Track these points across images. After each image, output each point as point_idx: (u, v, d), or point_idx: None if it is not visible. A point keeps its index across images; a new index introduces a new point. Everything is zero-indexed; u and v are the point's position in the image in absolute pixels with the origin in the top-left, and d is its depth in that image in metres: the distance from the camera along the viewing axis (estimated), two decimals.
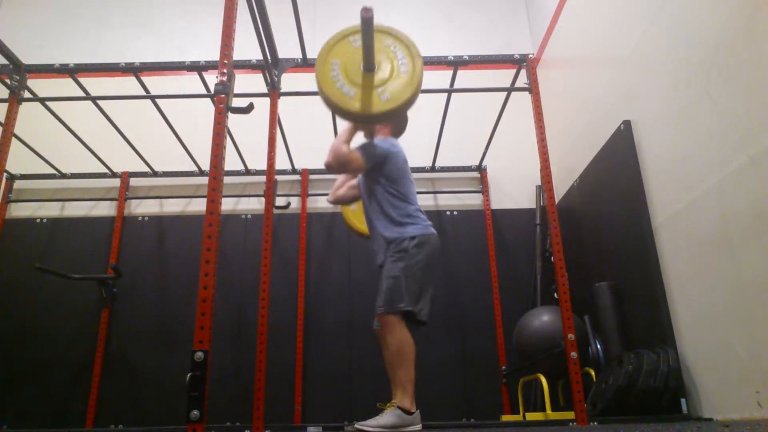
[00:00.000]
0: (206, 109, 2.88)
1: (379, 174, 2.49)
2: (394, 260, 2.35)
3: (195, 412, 1.53)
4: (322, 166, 4.43)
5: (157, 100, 3.60)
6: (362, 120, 2.46)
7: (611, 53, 3.44)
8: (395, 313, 2.26)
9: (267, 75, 3.16)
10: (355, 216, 3.70)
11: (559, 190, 4.19)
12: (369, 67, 2.29)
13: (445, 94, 3.68)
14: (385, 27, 2.35)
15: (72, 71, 3.26)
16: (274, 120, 3.07)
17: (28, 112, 3.38)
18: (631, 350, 2.88)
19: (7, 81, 3.08)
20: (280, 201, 4.18)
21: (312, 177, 4.66)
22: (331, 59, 2.32)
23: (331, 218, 4.52)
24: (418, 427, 2.19)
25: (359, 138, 2.61)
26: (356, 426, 2.14)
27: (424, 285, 2.39)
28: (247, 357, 3.88)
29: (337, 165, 2.44)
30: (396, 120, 2.64)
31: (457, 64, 3.24)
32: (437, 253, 2.47)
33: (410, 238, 2.38)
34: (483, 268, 4.34)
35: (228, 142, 3.89)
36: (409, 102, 2.28)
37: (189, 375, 1.56)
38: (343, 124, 2.58)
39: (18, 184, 4.61)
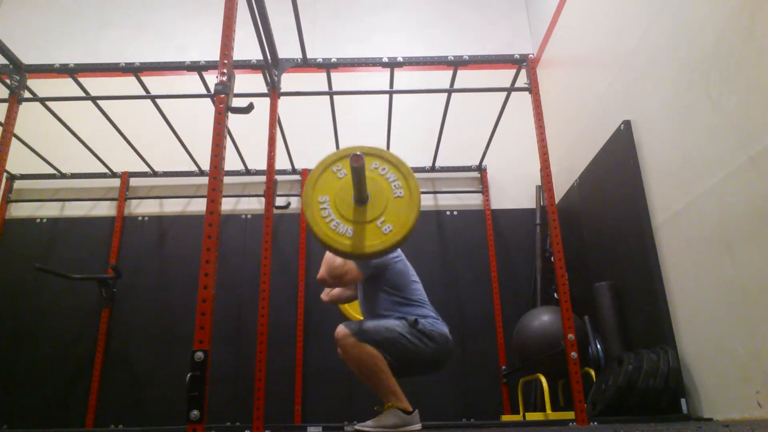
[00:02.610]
0: (206, 109, 2.88)
1: (382, 283, 2.36)
2: (404, 326, 2.22)
3: (195, 412, 1.53)
4: None
5: (157, 100, 3.60)
6: (369, 259, 2.25)
7: (611, 53, 3.44)
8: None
9: (267, 75, 3.16)
10: (351, 307, 3.62)
11: (559, 190, 4.19)
12: (361, 200, 2.11)
13: (445, 94, 3.67)
14: (366, 148, 2.15)
15: (72, 71, 3.26)
16: (274, 120, 3.07)
17: (28, 112, 3.37)
18: (631, 350, 2.88)
19: (7, 81, 3.08)
20: (280, 201, 4.17)
21: None
22: (318, 196, 2.12)
23: None
24: (418, 426, 2.19)
25: None
26: (356, 427, 2.14)
27: (411, 369, 2.27)
28: (247, 357, 3.89)
29: (332, 279, 2.34)
30: None
31: (457, 64, 3.24)
32: (445, 360, 2.35)
33: (430, 330, 2.26)
34: (483, 268, 4.33)
35: (228, 142, 3.89)
36: (414, 228, 2.08)
37: (189, 375, 1.56)
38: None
39: (18, 184, 4.61)
